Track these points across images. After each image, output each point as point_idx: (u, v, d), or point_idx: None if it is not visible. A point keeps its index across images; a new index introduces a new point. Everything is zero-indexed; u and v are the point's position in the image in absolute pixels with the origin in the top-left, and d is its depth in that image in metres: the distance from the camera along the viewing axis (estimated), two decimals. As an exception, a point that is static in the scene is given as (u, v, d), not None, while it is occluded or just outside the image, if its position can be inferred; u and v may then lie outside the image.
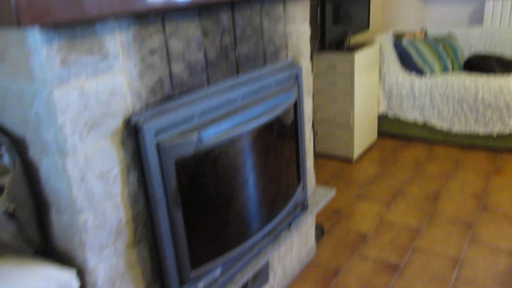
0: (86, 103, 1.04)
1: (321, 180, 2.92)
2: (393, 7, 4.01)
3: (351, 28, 3.10)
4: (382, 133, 3.61)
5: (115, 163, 1.12)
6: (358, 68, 2.97)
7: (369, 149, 3.40)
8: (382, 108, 3.46)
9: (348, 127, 3.10)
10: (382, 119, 3.53)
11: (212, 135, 1.28)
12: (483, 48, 3.61)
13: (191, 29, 1.26)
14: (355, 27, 3.17)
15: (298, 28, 1.73)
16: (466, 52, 3.68)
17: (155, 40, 1.17)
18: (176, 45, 1.23)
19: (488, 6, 3.61)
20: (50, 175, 1.06)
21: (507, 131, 3.07)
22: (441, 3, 3.92)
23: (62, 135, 1.00)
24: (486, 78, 3.13)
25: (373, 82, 3.30)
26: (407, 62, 3.40)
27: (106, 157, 1.10)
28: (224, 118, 1.33)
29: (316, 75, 3.06)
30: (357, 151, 3.20)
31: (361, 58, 2.99)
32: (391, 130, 3.54)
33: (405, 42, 3.42)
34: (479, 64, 3.37)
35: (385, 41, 3.42)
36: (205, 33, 1.31)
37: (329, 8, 2.74)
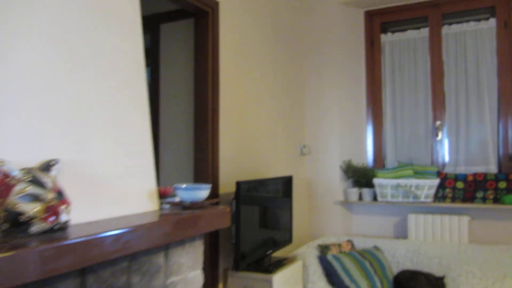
0: None
1: None
2: (318, 217, 3.94)
3: (271, 244, 2.88)
4: None
5: None
6: (279, 290, 2.65)
7: None
8: (309, 332, 3.03)
9: None
10: None
11: None
12: (410, 263, 3.47)
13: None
14: (276, 242, 2.96)
15: (186, 277, 1.42)
16: (394, 266, 3.51)
17: None
18: None
19: (411, 219, 3.61)
20: None
21: None
22: (366, 214, 3.90)
23: None
24: (417, 302, 2.88)
25: (298, 302, 2.94)
26: (334, 279, 3.13)
27: None
28: None
29: (230, 298, 2.68)
30: None
31: (282, 278, 2.69)
32: None
33: (330, 256, 3.21)
34: (409, 283, 3.16)
35: (309, 254, 3.20)
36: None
37: (245, 224, 2.54)
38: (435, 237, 3.53)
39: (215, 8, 2.59)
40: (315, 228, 3.98)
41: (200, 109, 2.60)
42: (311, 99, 3.99)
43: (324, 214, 3.93)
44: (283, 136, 3.56)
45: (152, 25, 2.87)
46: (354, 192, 3.83)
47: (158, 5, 2.82)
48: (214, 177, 2.59)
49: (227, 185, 2.69)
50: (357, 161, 3.96)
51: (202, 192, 1.52)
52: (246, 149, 2.96)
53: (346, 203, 3.89)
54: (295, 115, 3.78)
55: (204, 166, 2.57)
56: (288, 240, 3.14)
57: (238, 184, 2.42)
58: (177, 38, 2.83)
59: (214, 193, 2.58)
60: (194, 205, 1.47)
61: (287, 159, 3.62)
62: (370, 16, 4.03)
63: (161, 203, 1.48)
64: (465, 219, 3.43)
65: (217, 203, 2.54)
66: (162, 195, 1.51)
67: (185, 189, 1.50)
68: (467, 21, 3.72)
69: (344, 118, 3.93)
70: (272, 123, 3.37)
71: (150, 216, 1.29)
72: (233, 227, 2.47)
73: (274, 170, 3.38)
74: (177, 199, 1.54)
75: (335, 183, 3.89)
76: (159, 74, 2.89)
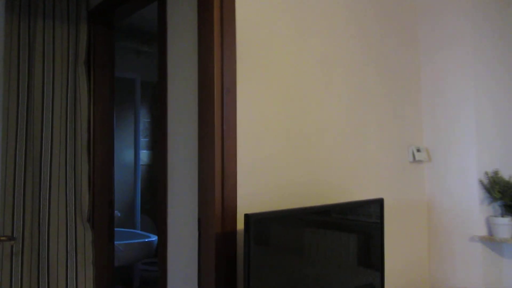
0: None
1: None
2: (443, 261, 2.54)
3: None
4: None
5: None
6: None
7: None
8: None
9: None
10: None
11: None
12: None
13: None
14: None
15: None
16: None
17: None
18: None
19: None
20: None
21: None
22: (527, 259, 2.40)
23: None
24: None
25: None
26: None
27: None
28: None
29: None
30: None
31: None
32: None
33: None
34: None
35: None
36: None
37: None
38: None
39: None
40: (436, 279, 2.59)
41: (204, 89, 1.60)
42: (430, 81, 2.64)
43: (453, 257, 2.53)
44: (378, 133, 2.32)
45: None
46: (505, 224, 2.37)
47: None
48: (226, 200, 1.55)
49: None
50: (509, 174, 2.49)
51: None
52: (299, 155, 1.85)
53: (490, 241, 2.44)
54: (400, 103, 2.50)
55: (209, 181, 1.56)
56: (378, 305, 1.90)
57: (247, 218, 1.33)
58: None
59: (224, 230, 1.54)
60: None
61: (385, 169, 2.36)
62: None
63: None
64: None
65: None
66: None
67: None
68: None
69: (486, 107, 2.50)
70: (355, 114, 2.18)
71: None
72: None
73: (360, 187, 2.16)
74: None
75: (472, 208, 2.47)
76: (167, 50, 1.97)
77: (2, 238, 1.78)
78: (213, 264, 1.53)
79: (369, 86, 2.28)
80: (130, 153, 4.03)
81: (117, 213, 3.41)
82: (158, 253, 1.97)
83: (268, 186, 1.70)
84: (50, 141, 2.47)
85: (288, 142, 1.80)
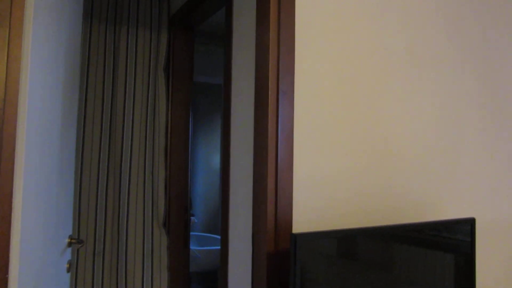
0: None
1: None
2: None
3: None
4: None
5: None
6: None
7: None
8: None
9: None
10: None
11: None
12: None
13: None
14: None
15: None
16: None
17: None
18: None
19: None
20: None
21: None
22: None
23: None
24: None
25: None
26: None
27: None
28: None
29: None
30: None
31: None
32: None
33: None
34: None
35: None
36: None
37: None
38: None
39: None
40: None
41: (259, 92, 1.46)
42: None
43: None
44: (479, 138, 1.96)
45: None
46: None
47: None
48: (280, 216, 1.39)
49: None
50: None
51: None
52: (369, 167, 1.61)
53: None
54: (506, 104, 2.09)
55: (261, 194, 1.41)
56: None
57: (294, 238, 1.15)
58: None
59: (277, 249, 1.37)
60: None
61: (486, 183, 1.98)
62: None
63: None
64: None
65: None
66: None
67: None
68: None
69: None
70: (447, 116, 1.86)
71: None
72: None
73: (451, 203, 1.83)
74: None
75: None
76: (231, 53, 1.86)
77: (72, 240, 1.82)
78: (264, 285, 1.38)
79: (467, 86, 1.93)
80: (218, 159, 4.04)
81: (194, 219, 3.42)
82: (220, 267, 1.87)
83: (332, 201, 1.50)
84: (129, 146, 2.53)
85: (356, 152, 1.57)
